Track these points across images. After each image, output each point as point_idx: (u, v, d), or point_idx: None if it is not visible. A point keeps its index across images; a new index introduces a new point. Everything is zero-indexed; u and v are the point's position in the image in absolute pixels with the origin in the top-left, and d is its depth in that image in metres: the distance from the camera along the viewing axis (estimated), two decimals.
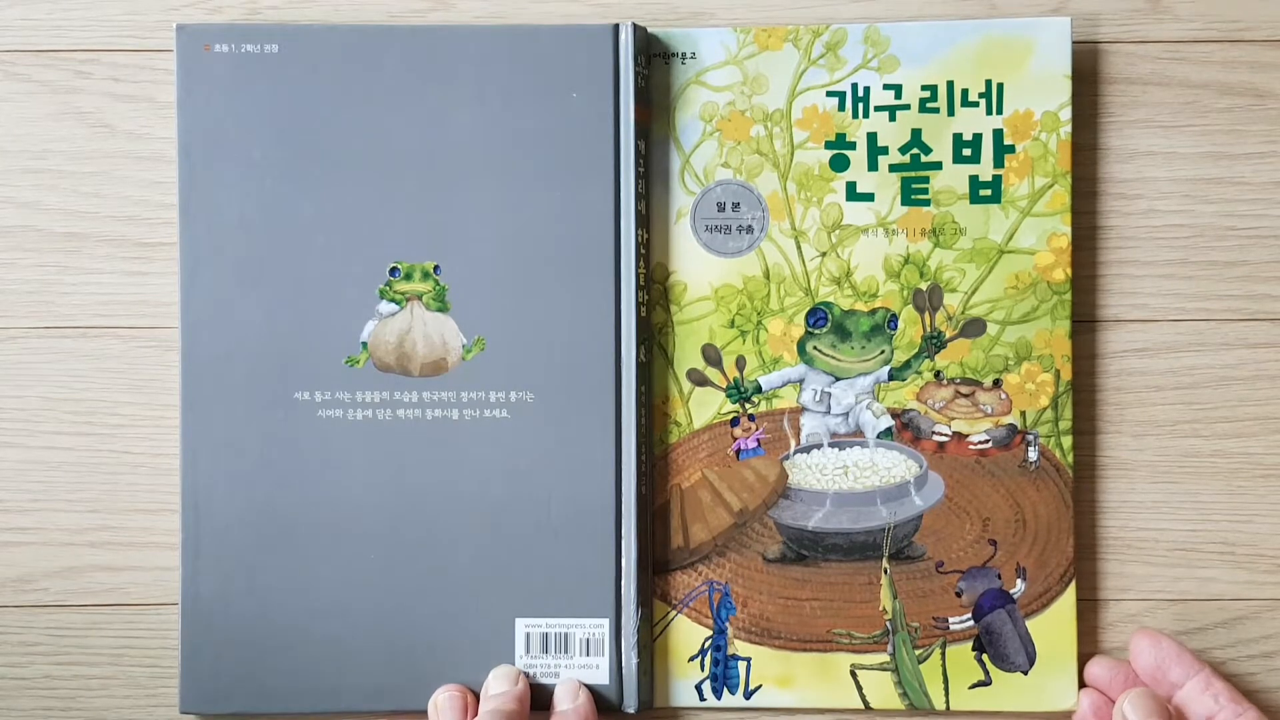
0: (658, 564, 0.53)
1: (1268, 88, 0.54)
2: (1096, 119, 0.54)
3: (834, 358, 0.53)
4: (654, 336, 0.53)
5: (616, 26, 0.52)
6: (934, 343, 0.53)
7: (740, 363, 0.53)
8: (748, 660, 0.53)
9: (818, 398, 0.53)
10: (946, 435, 0.53)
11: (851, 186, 0.53)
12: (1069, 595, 0.52)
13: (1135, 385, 0.54)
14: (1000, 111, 0.53)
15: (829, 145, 0.53)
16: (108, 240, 0.54)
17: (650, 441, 0.53)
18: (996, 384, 0.53)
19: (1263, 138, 0.54)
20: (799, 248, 0.53)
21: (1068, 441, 0.52)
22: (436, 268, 0.52)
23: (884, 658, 0.52)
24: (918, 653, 0.52)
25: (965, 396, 0.53)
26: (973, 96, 0.53)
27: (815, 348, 0.53)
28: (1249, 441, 0.54)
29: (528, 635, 0.52)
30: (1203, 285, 0.54)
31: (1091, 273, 0.54)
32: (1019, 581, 0.52)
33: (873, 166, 0.53)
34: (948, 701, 0.52)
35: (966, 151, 0.53)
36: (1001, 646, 0.52)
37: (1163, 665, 0.50)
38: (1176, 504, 0.54)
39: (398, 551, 0.51)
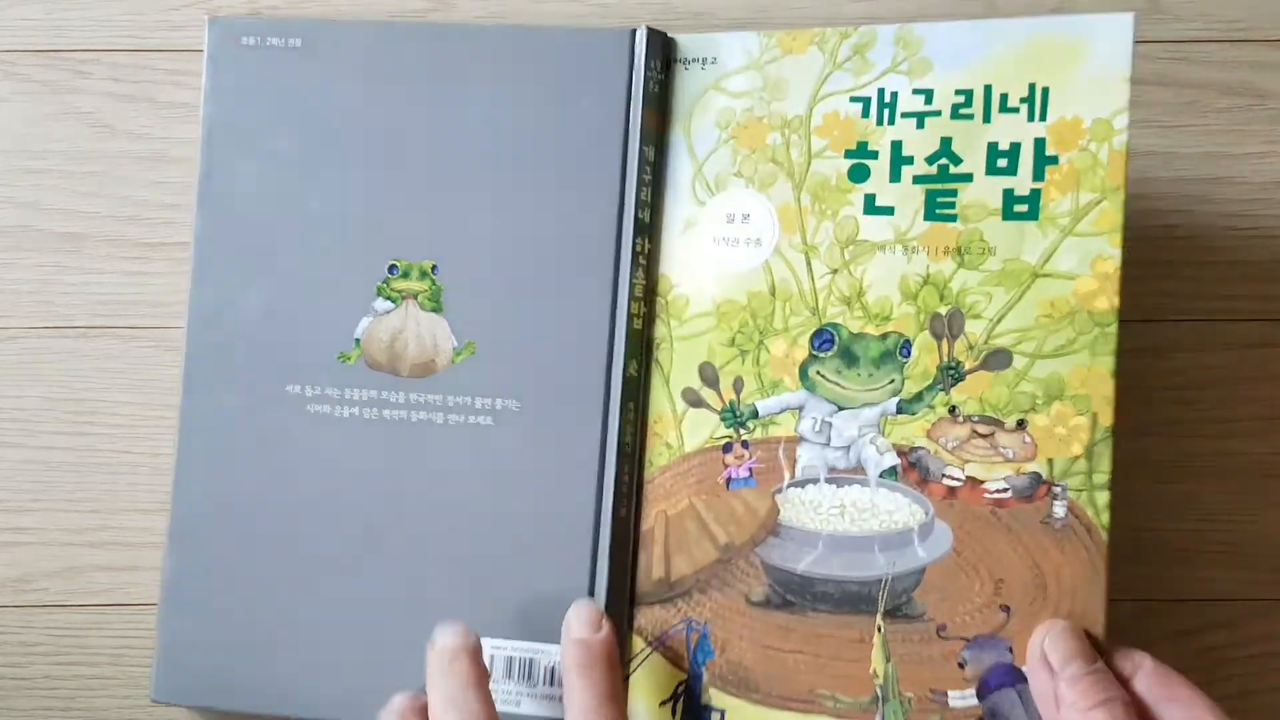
0: (637, 595, 0.49)
1: (1268, 88, 0.54)
2: None
3: (838, 384, 0.48)
4: (651, 351, 0.50)
5: (634, 31, 0.50)
6: (951, 374, 0.47)
7: (738, 384, 0.49)
8: (721, 712, 0.47)
9: (817, 427, 0.48)
10: (959, 479, 0.46)
11: (870, 199, 0.48)
12: None
13: (1135, 385, 0.52)
14: (1044, 118, 0.46)
15: (849, 154, 0.48)
16: (108, 240, 0.56)
17: (639, 462, 0.49)
18: (1021, 425, 0.46)
19: (1263, 138, 0.54)
20: (809, 264, 0.48)
21: (1102, 498, 0.45)
22: (434, 267, 0.51)
23: None
24: None
25: (983, 437, 0.46)
26: (1013, 102, 0.47)
27: (819, 373, 0.48)
28: (1249, 441, 0.54)
29: (491, 657, 0.49)
30: (1203, 285, 0.54)
31: None
32: None
33: (895, 178, 0.48)
34: None
35: (1002, 162, 0.47)
36: None
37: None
38: (1176, 504, 0.53)
39: (373, 557, 0.50)
